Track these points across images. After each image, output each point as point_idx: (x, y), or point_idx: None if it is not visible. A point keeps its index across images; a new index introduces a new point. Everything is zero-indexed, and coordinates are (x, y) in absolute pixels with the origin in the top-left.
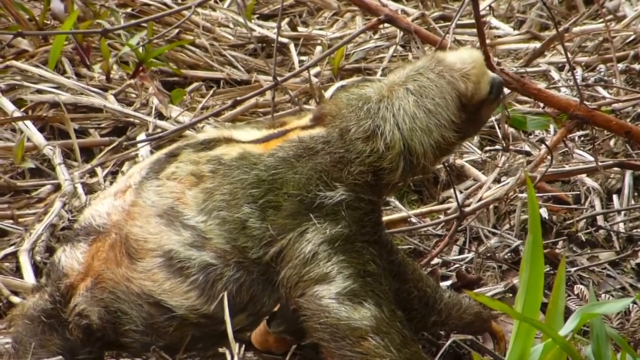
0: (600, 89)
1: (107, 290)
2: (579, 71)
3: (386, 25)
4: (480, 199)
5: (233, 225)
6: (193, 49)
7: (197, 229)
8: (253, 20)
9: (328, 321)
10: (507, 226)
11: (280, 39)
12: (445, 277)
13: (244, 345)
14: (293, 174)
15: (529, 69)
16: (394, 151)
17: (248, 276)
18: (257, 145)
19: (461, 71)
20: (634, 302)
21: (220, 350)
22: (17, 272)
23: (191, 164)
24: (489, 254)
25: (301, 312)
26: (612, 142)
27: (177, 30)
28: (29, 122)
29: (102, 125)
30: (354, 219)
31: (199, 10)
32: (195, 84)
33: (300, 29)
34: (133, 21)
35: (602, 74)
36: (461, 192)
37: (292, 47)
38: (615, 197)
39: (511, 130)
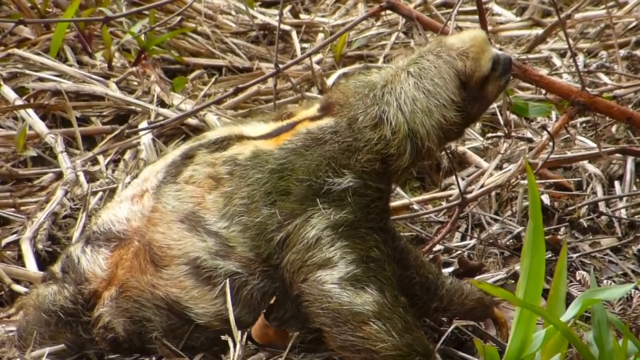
0: (602, 75)
1: (132, 299)
2: (580, 57)
3: (388, 12)
4: (482, 186)
5: (255, 232)
6: (195, 36)
7: (220, 235)
8: (255, 8)
9: (330, 306)
10: (509, 213)
11: (282, 26)
12: (447, 264)
13: (246, 333)
14: (303, 161)
15: (530, 56)
16: (399, 135)
17: (272, 284)
18: (268, 141)
19: (459, 50)
20: (636, 288)
21: (223, 337)
22: (19, 260)
23: (208, 166)
24: (490, 241)
25: (304, 297)
26: (613, 129)
27: (179, 18)
28: (30, 110)
29: (104, 113)
30: (360, 205)
31: None
32: (197, 72)
33: (303, 16)
34: (135, 9)
35: (603, 60)
36: (463, 179)
37: (294, 34)
38: (617, 183)
39: (513, 117)
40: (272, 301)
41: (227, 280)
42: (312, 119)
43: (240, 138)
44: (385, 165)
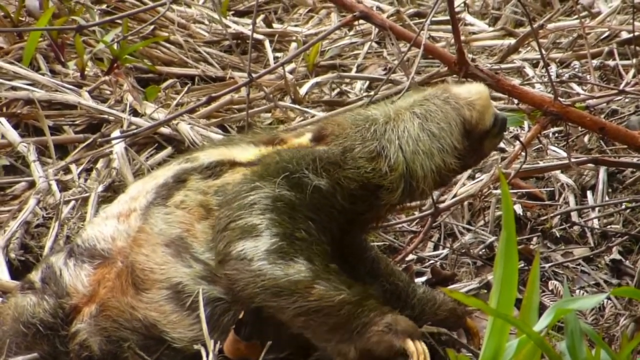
0: (574, 85)
1: (111, 319)
2: (553, 67)
3: (361, 21)
4: (454, 195)
5: None
6: (168, 45)
7: (208, 264)
8: (228, 17)
9: (266, 284)
10: (482, 222)
11: (255, 35)
12: (420, 274)
13: (219, 342)
14: (291, 151)
15: (503, 65)
16: (396, 173)
17: (253, 315)
18: (255, 167)
19: (467, 100)
20: (608, 298)
21: (195, 347)
22: None
23: (200, 193)
24: (463, 250)
25: (234, 285)
26: (586, 139)
27: (151, 27)
28: (3, 119)
29: (77, 122)
30: (314, 202)
31: (174, 6)
32: (169, 81)
33: (276, 25)
34: (108, 18)
35: (576, 70)
36: None
37: (267, 43)
38: (589, 193)
39: None
40: (240, 316)
41: (200, 291)
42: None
43: (233, 164)
44: (375, 196)
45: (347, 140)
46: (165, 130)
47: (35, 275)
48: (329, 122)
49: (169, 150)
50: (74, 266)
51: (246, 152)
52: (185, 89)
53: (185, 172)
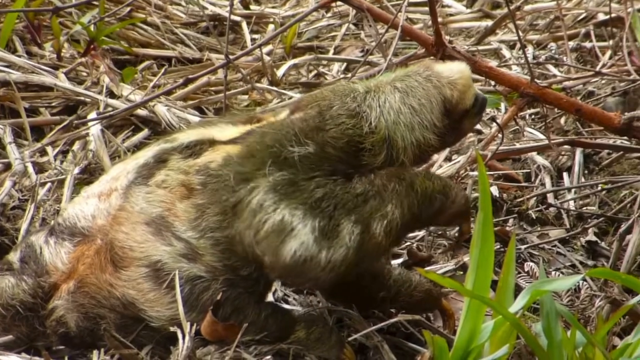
0: (551, 67)
1: (89, 295)
2: (530, 49)
3: (339, 3)
4: None
5: (226, 246)
6: (145, 27)
7: (190, 243)
8: None
9: (337, 264)
10: None
11: (232, 17)
12: (396, 255)
13: (195, 325)
14: (272, 131)
15: (480, 47)
16: (378, 136)
17: (234, 290)
18: (237, 145)
19: (449, 78)
20: (584, 280)
21: (172, 329)
22: None
23: (181, 173)
24: (439, 232)
25: (310, 282)
26: (562, 120)
27: (128, 9)
28: None
29: (53, 104)
30: (308, 164)
31: None
32: (146, 63)
33: (253, 7)
34: None
35: (553, 52)
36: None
37: (244, 25)
38: (565, 175)
39: None
40: (218, 297)
41: (177, 272)
42: None
43: (212, 143)
44: (356, 157)
45: (325, 101)
46: (142, 112)
47: (14, 256)
48: (306, 96)
49: (145, 132)
50: (54, 244)
51: (225, 132)
52: (162, 70)
53: (166, 152)
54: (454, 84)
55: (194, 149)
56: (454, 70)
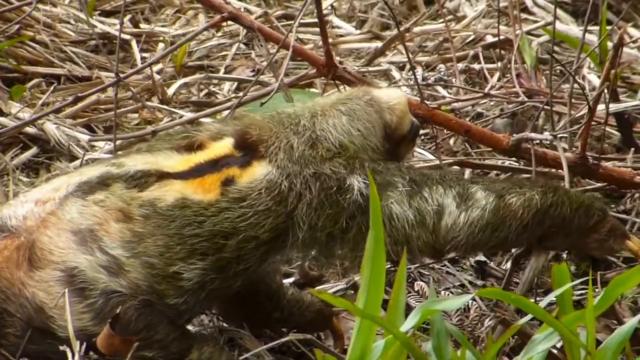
0: (440, 88)
1: (0, 289)
2: (419, 71)
3: (229, 22)
4: None
5: (161, 274)
6: (33, 45)
7: (116, 258)
8: (95, 17)
9: (477, 228)
10: None
11: (122, 35)
12: (288, 275)
13: (84, 344)
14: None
15: (370, 68)
16: (348, 152)
17: (148, 308)
18: (191, 183)
19: (388, 104)
20: (473, 299)
21: (61, 348)
22: None
23: (121, 201)
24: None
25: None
26: (452, 141)
27: (17, 26)
28: None
29: None
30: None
31: (40, 6)
32: (35, 80)
33: (143, 25)
34: None
35: (442, 73)
36: None
37: (134, 43)
38: None
39: None
40: (117, 310)
41: (67, 291)
42: (239, 164)
43: (160, 176)
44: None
45: (281, 141)
46: (30, 130)
47: None
48: (248, 126)
49: (34, 150)
50: None
51: (171, 160)
52: (51, 88)
53: (111, 177)
54: (392, 109)
55: (139, 180)
56: (392, 96)
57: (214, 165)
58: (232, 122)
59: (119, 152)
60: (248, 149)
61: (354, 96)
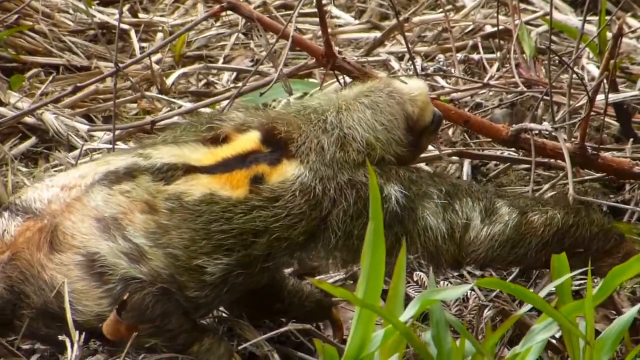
0: (439, 78)
1: (19, 270)
2: (418, 61)
3: (228, 12)
4: None
5: (184, 266)
6: (32, 34)
7: (139, 246)
8: (94, 6)
9: (499, 243)
10: None
11: (121, 25)
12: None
13: (84, 334)
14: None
15: (369, 59)
16: (375, 152)
17: (166, 297)
18: (219, 178)
19: (410, 95)
20: (472, 289)
21: (60, 337)
22: None
23: (147, 194)
24: None
25: (480, 262)
26: (450, 132)
27: (16, 16)
28: None
29: None
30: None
31: None
32: (34, 70)
33: (142, 15)
34: None
35: (441, 63)
36: None
37: (133, 33)
38: None
39: None
40: (125, 297)
41: (65, 282)
42: (269, 161)
43: (187, 170)
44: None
45: (311, 140)
46: (29, 119)
47: None
48: (275, 121)
49: (33, 140)
50: (7, 217)
51: (197, 153)
52: (50, 78)
53: (138, 169)
54: (414, 101)
55: (165, 174)
56: (413, 87)
57: (242, 160)
58: (256, 112)
59: (145, 141)
60: (276, 146)
61: (375, 88)
